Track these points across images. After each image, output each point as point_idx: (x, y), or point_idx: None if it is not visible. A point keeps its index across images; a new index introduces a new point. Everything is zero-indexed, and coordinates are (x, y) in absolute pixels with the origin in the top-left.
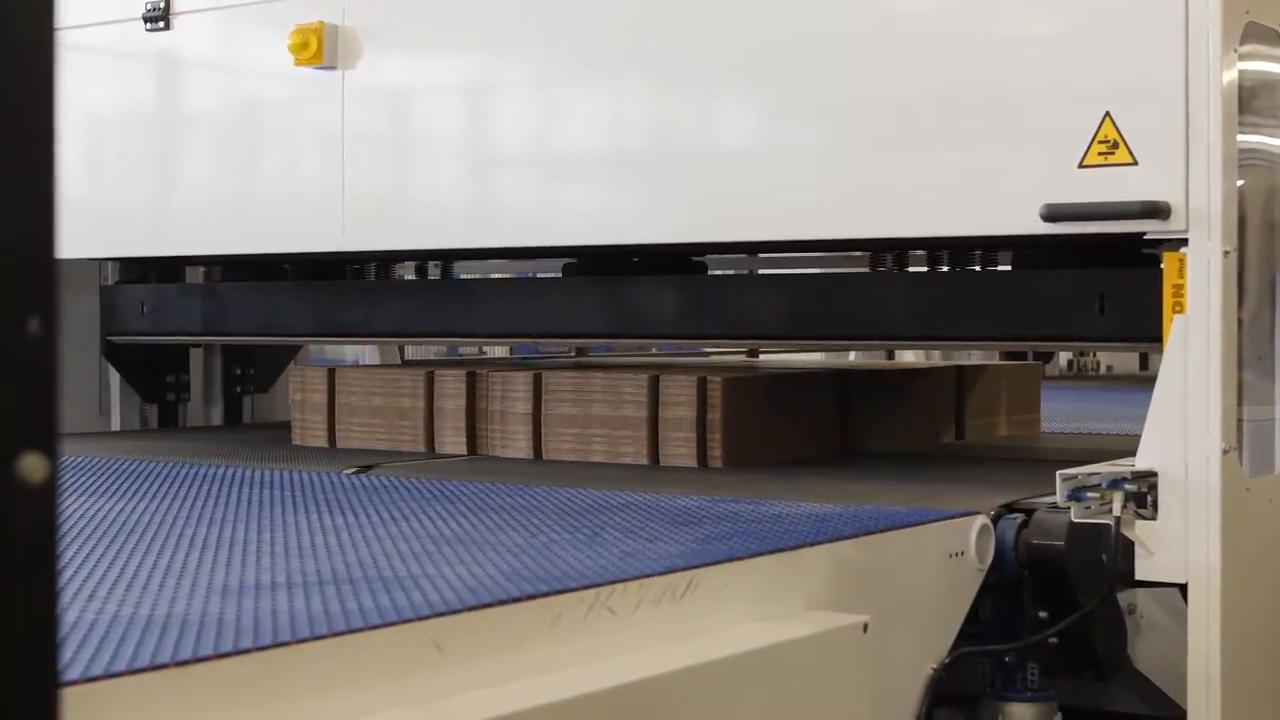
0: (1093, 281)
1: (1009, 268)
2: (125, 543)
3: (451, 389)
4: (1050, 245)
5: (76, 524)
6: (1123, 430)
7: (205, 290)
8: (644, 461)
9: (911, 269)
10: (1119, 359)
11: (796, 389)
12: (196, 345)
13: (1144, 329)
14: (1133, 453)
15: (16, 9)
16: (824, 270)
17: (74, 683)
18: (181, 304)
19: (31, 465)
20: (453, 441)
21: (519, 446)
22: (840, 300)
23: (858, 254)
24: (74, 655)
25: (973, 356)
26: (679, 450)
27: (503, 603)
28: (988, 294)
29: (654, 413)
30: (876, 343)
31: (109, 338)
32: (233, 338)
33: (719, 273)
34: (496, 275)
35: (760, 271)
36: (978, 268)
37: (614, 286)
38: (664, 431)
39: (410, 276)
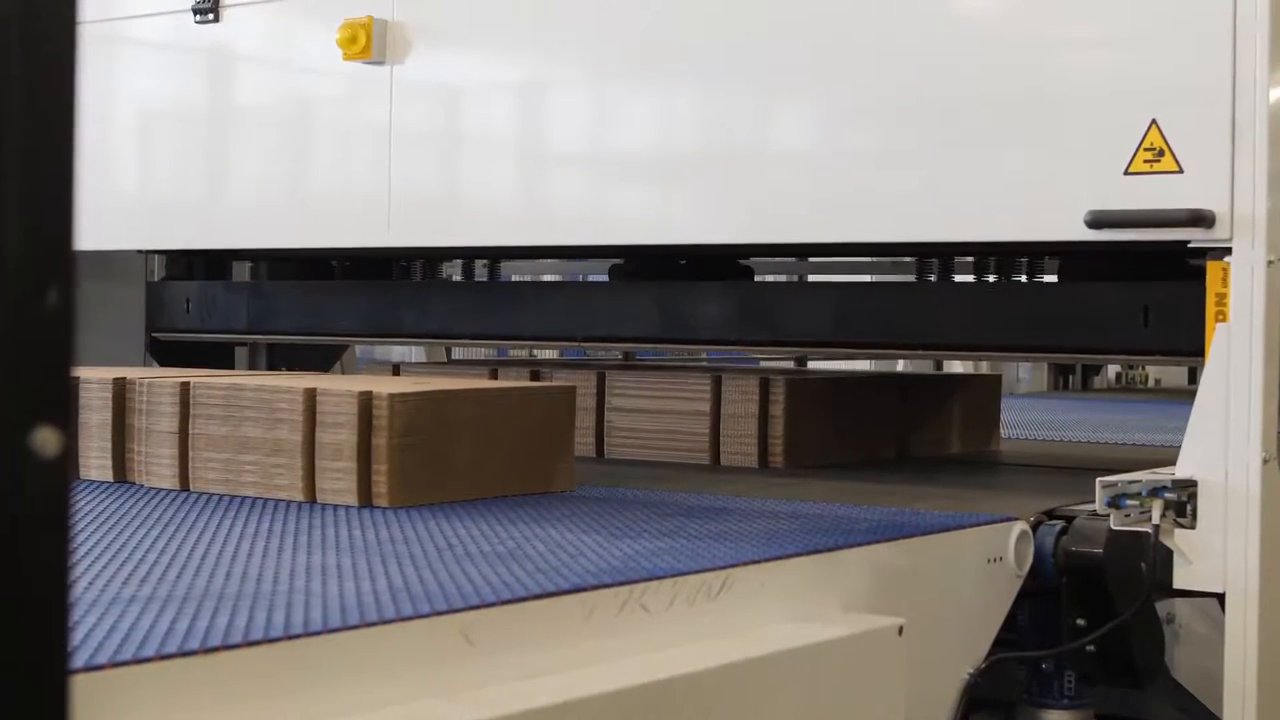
0: (1138, 294)
1: (1054, 278)
2: (150, 533)
3: (97, 399)
4: (1096, 255)
5: (106, 515)
6: (1157, 441)
7: (251, 288)
8: (299, 497)
9: (958, 279)
10: (1167, 373)
11: (498, 408)
12: (241, 344)
13: (1188, 342)
14: (1158, 463)
15: None
16: (871, 278)
17: (99, 668)
18: (227, 302)
19: (45, 438)
20: (98, 465)
21: (163, 474)
22: (886, 310)
23: (906, 259)
24: (103, 640)
25: (1021, 368)
26: (338, 484)
27: (536, 597)
28: (1033, 305)
29: (310, 435)
30: (921, 353)
31: (154, 334)
32: (278, 336)
33: (766, 279)
34: (545, 278)
35: (808, 279)
36: (1024, 278)
37: (661, 291)
38: (321, 460)
39: (458, 277)
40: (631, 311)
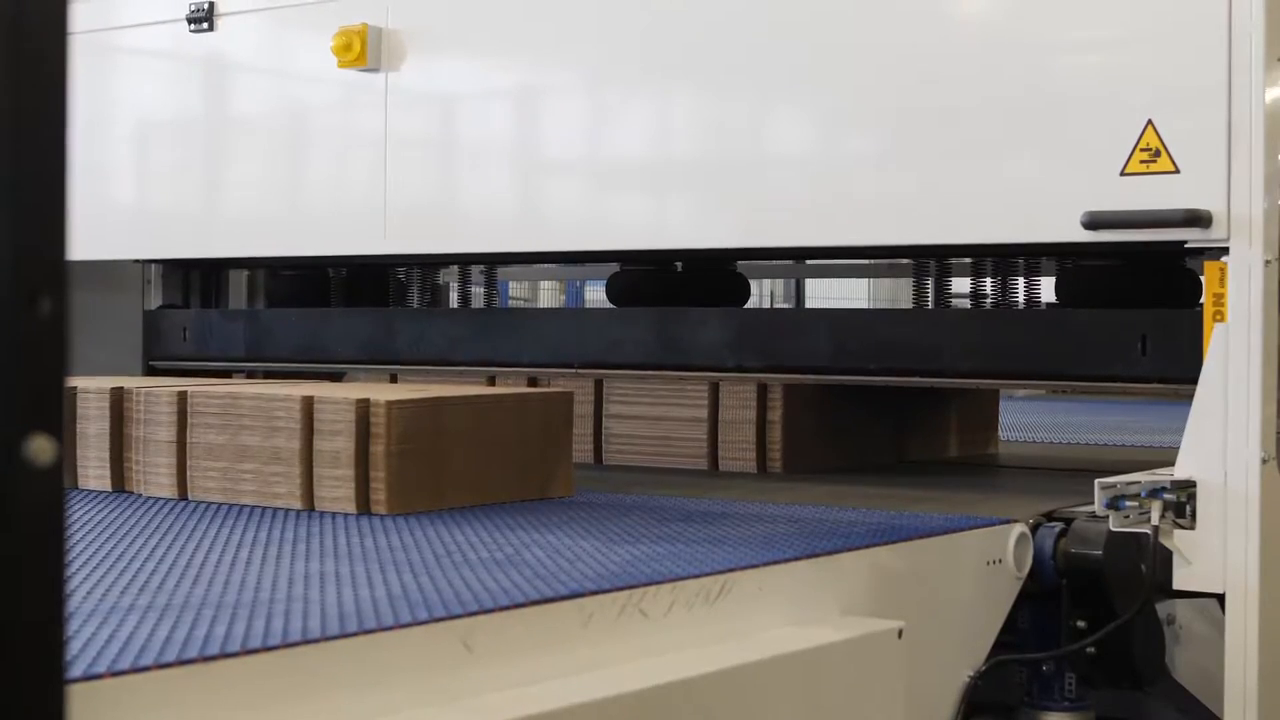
0: (1135, 322)
1: (1054, 301)
2: (148, 542)
3: (94, 409)
4: (1091, 271)
5: (104, 524)
6: (1155, 443)
7: (247, 315)
8: (297, 505)
9: (955, 284)
10: None
11: (496, 414)
12: (239, 371)
13: (1186, 370)
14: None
15: None
16: (869, 307)
17: (98, 677)
18: (223, 329)
19: (40, 447)
20: (96, 475)
21: (161, 483)
22: (884, 336)
23: (902, 262)
24: (102, 649)
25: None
26: (336, 492)
27: (534, 603)
28: (1030, 332)
29: (308, 443)
30: (919, 380)
31: (151, 362)
32: (275, 364)
33: (763, 283)
34: (543, 285)
35: (806, 306)
36: (1021, 280)
37: (659, 317)
38: (319, 468)
39: (454, 295)
40: (629, 337)
